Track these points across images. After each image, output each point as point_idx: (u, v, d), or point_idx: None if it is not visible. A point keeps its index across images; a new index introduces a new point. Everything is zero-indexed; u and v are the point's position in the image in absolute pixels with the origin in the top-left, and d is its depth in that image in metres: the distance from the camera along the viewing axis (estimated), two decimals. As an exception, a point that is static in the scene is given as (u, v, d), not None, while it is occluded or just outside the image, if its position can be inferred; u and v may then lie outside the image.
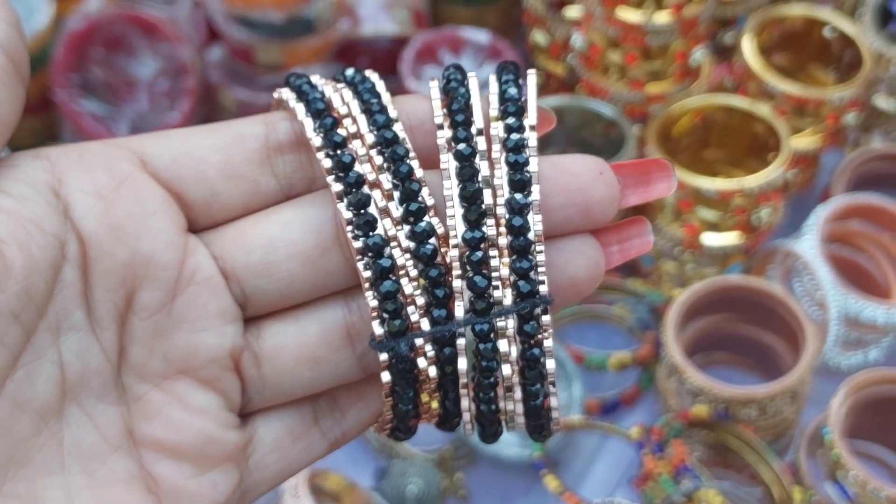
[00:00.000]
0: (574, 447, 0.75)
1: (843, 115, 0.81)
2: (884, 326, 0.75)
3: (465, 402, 0.28)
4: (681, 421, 0.68)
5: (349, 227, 0.28)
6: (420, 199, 0.28)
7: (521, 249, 0.27)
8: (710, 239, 0.77)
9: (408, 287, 0.28)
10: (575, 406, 0.74)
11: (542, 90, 0.89)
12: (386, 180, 0.28)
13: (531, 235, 0.27)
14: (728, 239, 0.77)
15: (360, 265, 0.27)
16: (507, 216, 0.27)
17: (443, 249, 0.28)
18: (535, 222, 0.27)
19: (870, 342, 0.78)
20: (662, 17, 0.75)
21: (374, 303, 0.28)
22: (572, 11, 0.83)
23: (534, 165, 0.28)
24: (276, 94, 0.30)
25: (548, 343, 0.28)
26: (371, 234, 0.27)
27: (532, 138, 0.28)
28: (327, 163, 0.28)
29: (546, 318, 0.28)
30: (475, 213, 0.27)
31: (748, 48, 0.81)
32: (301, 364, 0.29)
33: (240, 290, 0.28)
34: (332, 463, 0.68)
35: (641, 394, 0.78)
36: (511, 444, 0.73)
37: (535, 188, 0.28)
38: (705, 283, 0.73)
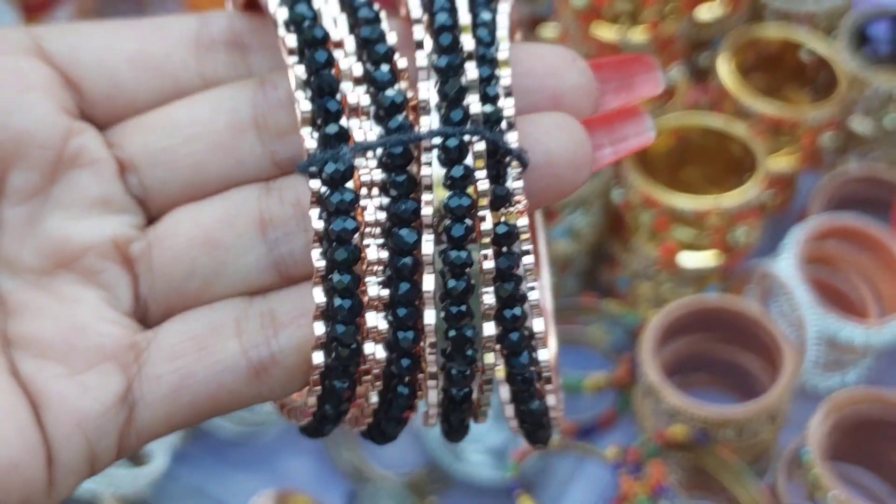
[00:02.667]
0: (550, 470, 0.73)
1: (819, 135, 0.80)
2: (862, 347, 0.74)
3: (431, 368, 0.24)
4: (658, 441, 0.67)
5: (305, 107, 0.24)
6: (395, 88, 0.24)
7: (487, 120, 0.24)
8: (687, 259, 0.76)
9: (357, 133, 0.24)
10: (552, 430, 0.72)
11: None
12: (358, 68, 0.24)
13: (503, 124, 0.24)
14: (705, 259, 0.76)
15: (304, 136, 0.23)
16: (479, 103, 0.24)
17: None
18: (508, 106, 0.24)
19: (848, 363, 0.77)
20: (638, 35, 0.75)
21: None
22: (547, 30, 0.83)
23: (504, 51, 0.25)
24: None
25: (527, 260, 0.24)
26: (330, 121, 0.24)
27: (503, 28, 0.25)
28: (291, 40, 0.24)
29: (519, 186, 0.24)
30: (453, 88, 0.24)
31: (724, 68, 0.81)
32: (195, 246, 0.25)
33: (138, 180, 0.25)
34: (301, 485, 0.66)
35: (618, 417, 0.76)
36: (485, 465, 0.71)
37: (505, 71, 0.24)
38: (682, 302, 0.72)
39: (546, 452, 0.72)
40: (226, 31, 0.26)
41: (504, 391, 0.25)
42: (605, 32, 0.75)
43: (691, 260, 0.76)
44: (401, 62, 0.24)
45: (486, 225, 0.23)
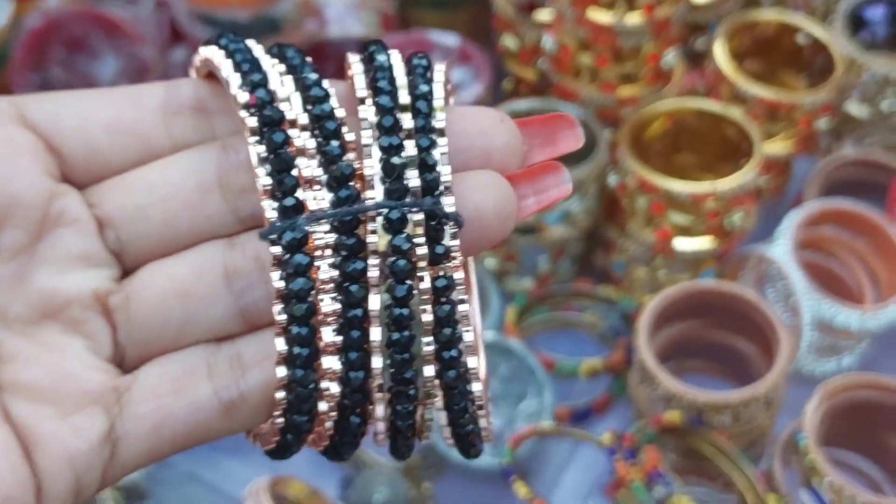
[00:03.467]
0: (545, 455, 0.73)
1: (815, 119, 0.80)
2: (857, 332, 0.74)
3: (378, 395, 0.27)
4: (653, 427, 0.67)
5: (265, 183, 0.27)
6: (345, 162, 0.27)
7: (427, 187, 0.27)
8: (683, 244, 0.76)
9: (311, 202, 0.27)
10: (545, 413, 0.72)
11: (513, 95, 0.88)
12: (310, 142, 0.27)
13: (441, 187, 0.27)
14: (700, 244, 0.76)
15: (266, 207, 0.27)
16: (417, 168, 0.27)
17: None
18: (445, 172, 0.27)
19: (843, 348, 0.77)
20: (634, 18, 0.74)
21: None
22: (543, 15, 0.82)
23: (441, 121, 0.28)
24: (200, 51, 0.29)
25: (463, 307, 0.27)
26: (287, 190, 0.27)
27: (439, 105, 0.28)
28: (251, 121, 0.27)
29: (455, 245, 0.27)
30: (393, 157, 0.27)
31: (720, 52, 0.80)
32: (169, 297, 0.27)
33: (115, 236, 0.28)
34: (296, 470, 0.66)
35: (613, 402, 0.76)
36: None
37: (442, 140, 0.27)
38: (678, 287, 0.72)
39: (541, 438, 0.72)
40: (191, 98, 0.29)
41: (443, 416, 0.28)
42: (601, 16, 0.74)
43: (687, 244, 0.76)
44: (349, 136, 0.27)
45: (425, 284, 0.27)
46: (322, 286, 0.26)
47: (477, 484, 0.72)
